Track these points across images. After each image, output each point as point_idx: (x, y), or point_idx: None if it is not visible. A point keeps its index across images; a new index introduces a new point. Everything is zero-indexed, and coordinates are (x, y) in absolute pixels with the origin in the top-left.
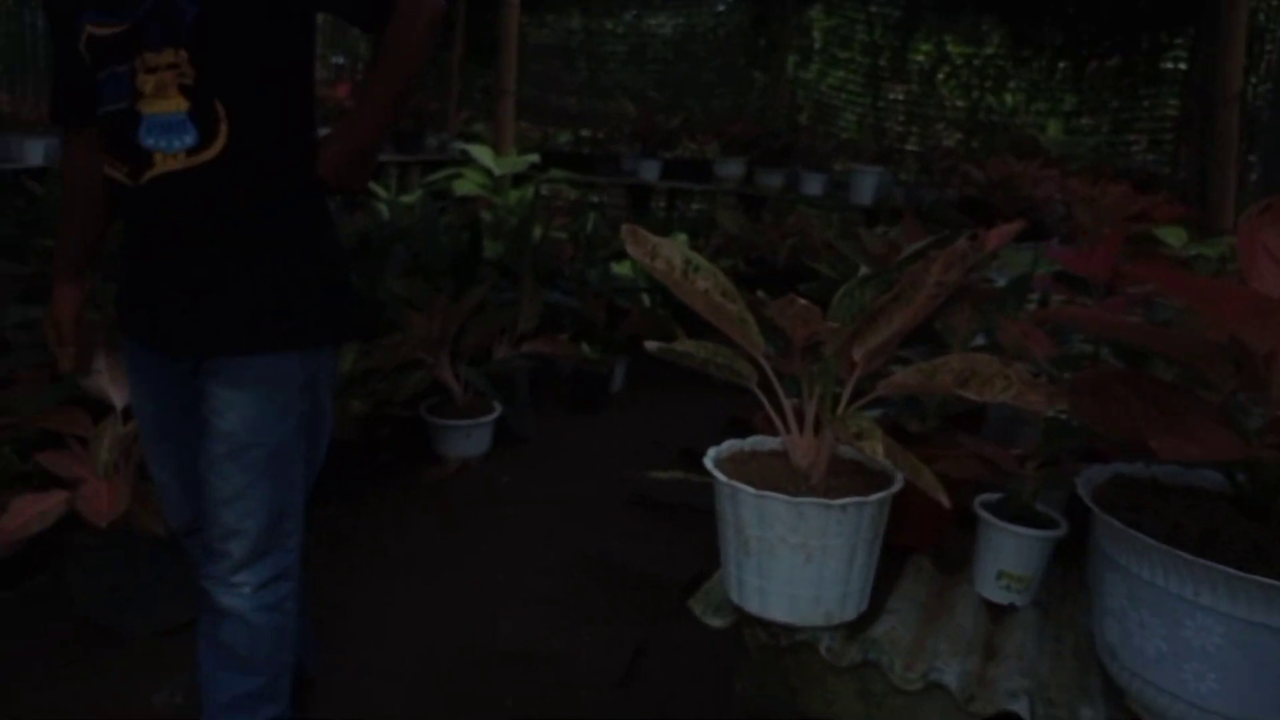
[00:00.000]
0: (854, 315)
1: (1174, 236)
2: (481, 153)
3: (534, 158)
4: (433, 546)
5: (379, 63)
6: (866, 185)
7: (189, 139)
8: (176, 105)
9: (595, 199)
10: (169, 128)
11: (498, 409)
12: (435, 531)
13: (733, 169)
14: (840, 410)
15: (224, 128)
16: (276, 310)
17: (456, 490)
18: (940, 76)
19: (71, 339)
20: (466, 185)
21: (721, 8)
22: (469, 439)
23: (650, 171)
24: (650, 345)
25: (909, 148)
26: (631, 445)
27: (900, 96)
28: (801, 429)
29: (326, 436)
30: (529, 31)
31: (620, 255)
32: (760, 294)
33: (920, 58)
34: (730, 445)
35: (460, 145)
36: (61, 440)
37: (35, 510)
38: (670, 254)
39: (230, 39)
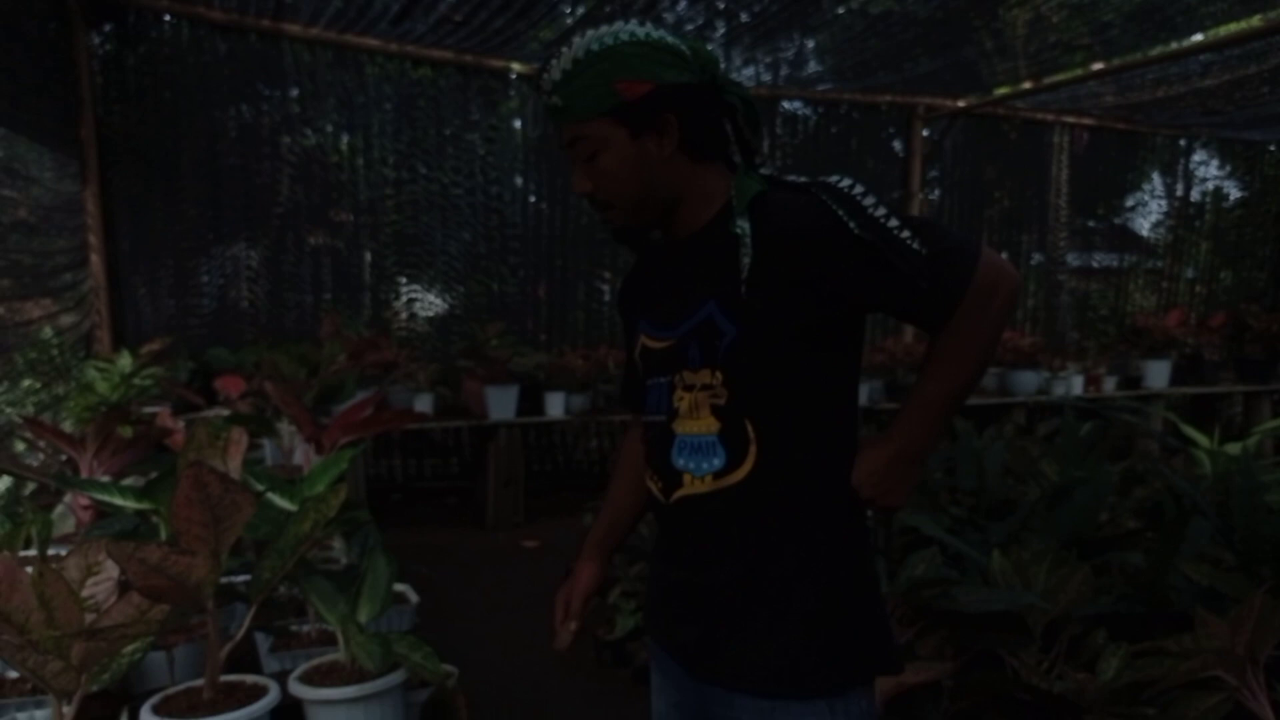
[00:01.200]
0: None
1: None
2: None
3: None
4: None
5: (937, 357)
6: None
7: (717, 462)
8: (708, 426)
9: None
10: (698, 449)
11: None
12: None
13: None
14: None
15: (752, 449)
16: (801, 653)
17: None
18: None
19: (579, 616)
20: None
21: None
22: None
23: None
24: None
25: None
26: None
27: None
28: None
29: None
30: None
31: None
32: None
33: None
34: None
35: None
36: None
37: None
38: None
39: (766, 360)
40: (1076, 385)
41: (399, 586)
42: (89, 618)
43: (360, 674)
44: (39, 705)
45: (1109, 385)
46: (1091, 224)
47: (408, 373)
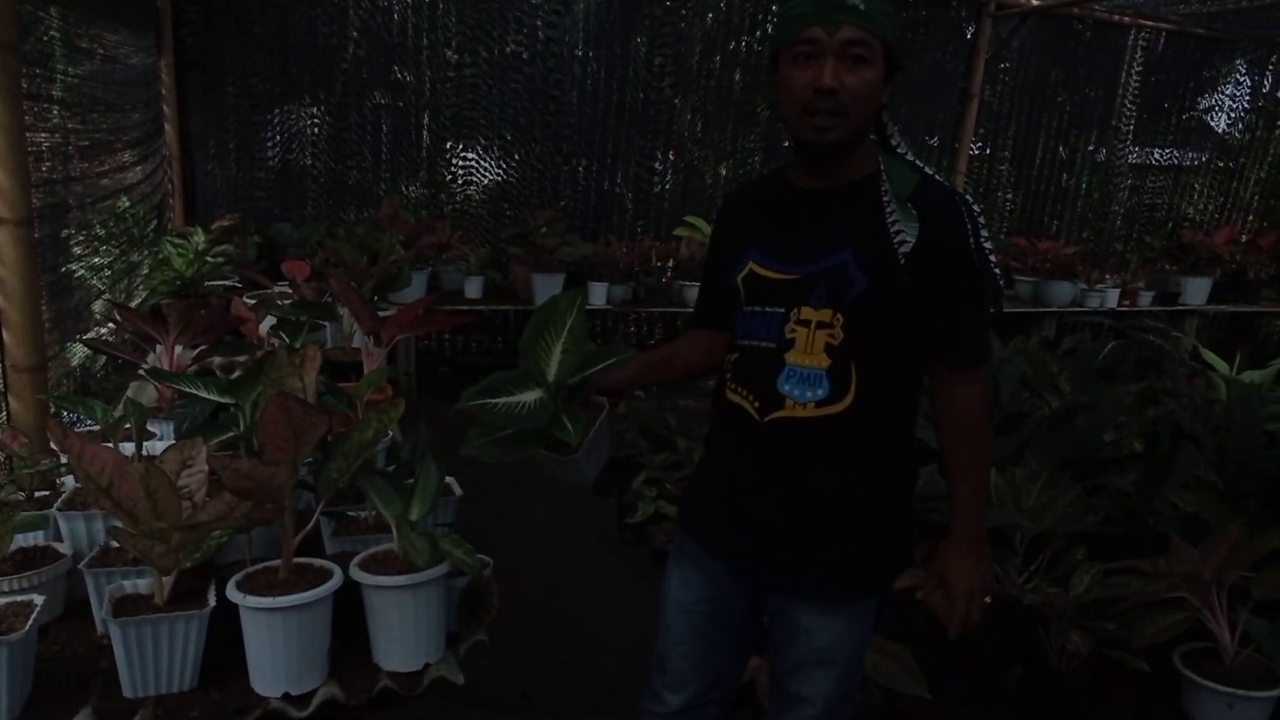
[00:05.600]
0: None
1: None
2: None
3: None
4: None
5: (957, 452)
6: None
7: (821, 392)
8: (818, 361)
9: None
10: (806, 380)
11: None
12: None
13: None
14: None
15: (853, 388)
16: (865, 565)
17: None
18: None
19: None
20: None
21: None
22: (1231, 712)
23: None
24: None
25: None
26: None
27: None
28: None
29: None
30: None
31: None
32: None
33: None
34: None
35: None
36: None
37: None
38: None
39: (882, 315)
40: (1111, 298)
41: (445, 479)
42: (185, 505)
43: (410, 564)
44: (140, 575)
45: (1145, 300)
46: (1160, 126)
47: (460, 254)
